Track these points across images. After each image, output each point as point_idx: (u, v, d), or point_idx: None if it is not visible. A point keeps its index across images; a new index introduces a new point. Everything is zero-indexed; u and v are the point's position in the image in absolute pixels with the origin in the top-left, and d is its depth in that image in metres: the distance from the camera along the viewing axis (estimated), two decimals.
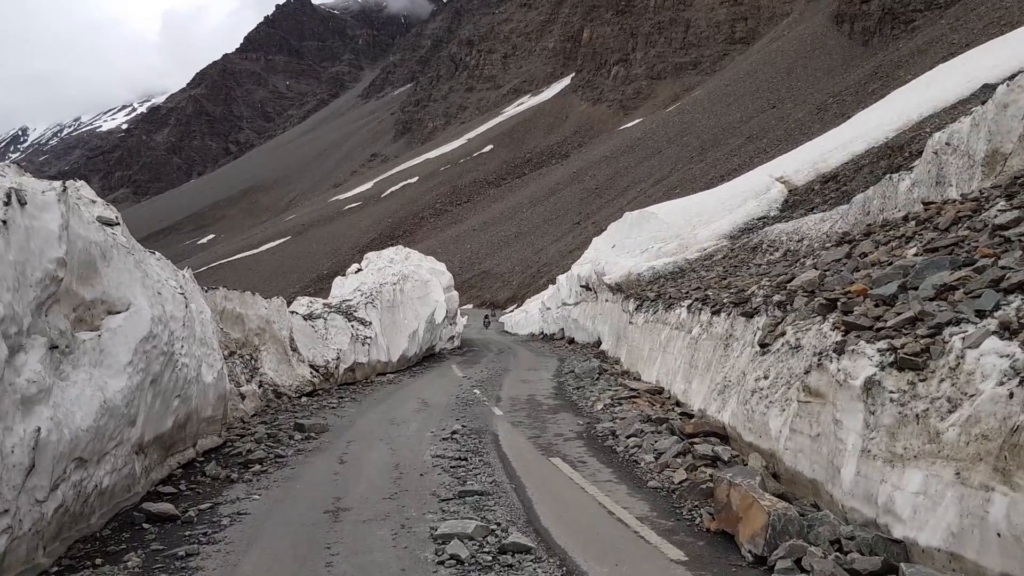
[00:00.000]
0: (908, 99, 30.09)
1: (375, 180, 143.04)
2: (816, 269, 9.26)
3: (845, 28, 76.90)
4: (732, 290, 11.08)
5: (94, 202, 7.67)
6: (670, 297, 13.67)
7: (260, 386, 12.97)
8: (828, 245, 11.15)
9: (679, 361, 11.19)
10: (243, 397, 11.52)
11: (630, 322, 15.86)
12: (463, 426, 10.29)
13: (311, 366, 15.12)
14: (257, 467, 8.14)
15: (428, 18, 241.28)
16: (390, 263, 23.12)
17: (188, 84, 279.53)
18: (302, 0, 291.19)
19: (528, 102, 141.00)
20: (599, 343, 24.26)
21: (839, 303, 6.54)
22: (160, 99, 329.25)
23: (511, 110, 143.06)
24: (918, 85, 33.16)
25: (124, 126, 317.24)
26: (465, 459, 8.24)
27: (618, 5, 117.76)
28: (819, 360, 5.74)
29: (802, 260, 11.48)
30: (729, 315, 9.80)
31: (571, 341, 28.71)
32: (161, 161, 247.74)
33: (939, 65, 35.71)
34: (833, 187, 24.46)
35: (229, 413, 10.63)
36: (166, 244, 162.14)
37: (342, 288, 21.53)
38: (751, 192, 27.39)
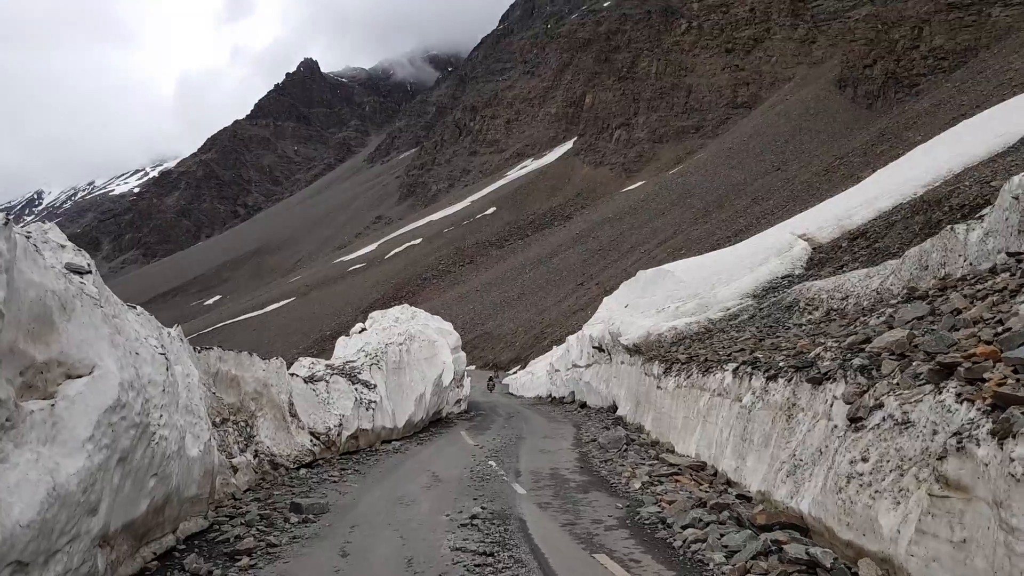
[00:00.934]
0: (935, 156, 29.35)
1: (379, 242, 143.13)
2: (892, 327, 8.10)
3: (848, 92, 77.63)
4: (786, 352, 9.88)
5: (63, 247, 6.57)
6: (706, 360, 12.44)
7: (256, 456, 11.66)
8: (893, 302, 10.00)
9: (726, 433, 9.90)
10: (235, 470, 10.20)
11: (658, 387, 14.59)
12: (483, 508, 8.89)
13: (311, 433, 13.80)
14: (245, 560, 6.77)
15: (433, 85, 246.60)
16: (396, 322, 21.93)
17: (199, 149, 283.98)
18: (311, 68, 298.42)
19: (531, 165, 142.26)
20: (615, 408, 22.94)
21: (960, 368, 5.35)
22: (172, 163, 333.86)
23: (514, 173, 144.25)
24: (941, 142, 32.57)
25: (136, 189, 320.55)
26: (492, 555, 6.84)
27: (620, 71, 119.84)
28: (959, 443, 4.52)
29: (862, 319, 10.32)
30: (790, 381, 8.58)
31: (583, 405, 27.35)
32: (171, 224, 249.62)
33: (962, 122, 35.21)
34: (863, 244, 23.49)
35: (218, 490, 9.33)
36: (173, 305, 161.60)
37: (346, 349, 20.28)
38: (773, 249, 26.47)
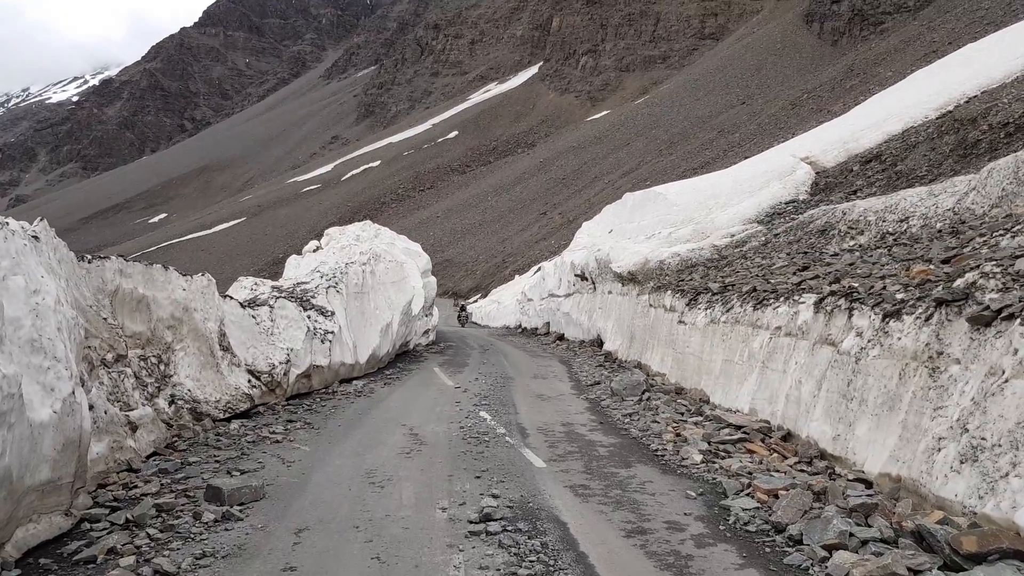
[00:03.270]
0: (942, 79, 27.14)
1: (335, 163, 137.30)
2: None
3: (815, 27, 75.82)
4: (884, 279, 7.31)
5: None
6: (754, 289, 9.87)
7: (172, 403, 8.81)
8: (1011, 224, 7.49)
9: (808, 386, 7.38)
10: (133, 428, 7.33)
11: (680, 321, 12.04)
12: (495, 497, 6.05)
13: (250, 372, 10.93)
14: None
15: (394, 0, 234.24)
16: (357, 240, 18.82)
17: (143, 57, 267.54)
18: None
19: (495, 89, 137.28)
20: (599, 342, 20.71)
21: None
22: (114, 72, 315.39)
23: (477, 97, 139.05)
24: (946, 67, 30.34)
25: (75, 98, 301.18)
26: None
27: None
28: None
29: (978, 239, 7.80)
30: (928, 320, 6.02)
31: (560, 338, 25.15)
32: (112, 136, 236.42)
33: (965, 47, 32.99)
34: (878, 168, 21.26)
35: (108, 456, 6.49)
36: (115, 222, 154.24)
37: (297, 269, 17.08)
38: (774, 173, 24.31)
